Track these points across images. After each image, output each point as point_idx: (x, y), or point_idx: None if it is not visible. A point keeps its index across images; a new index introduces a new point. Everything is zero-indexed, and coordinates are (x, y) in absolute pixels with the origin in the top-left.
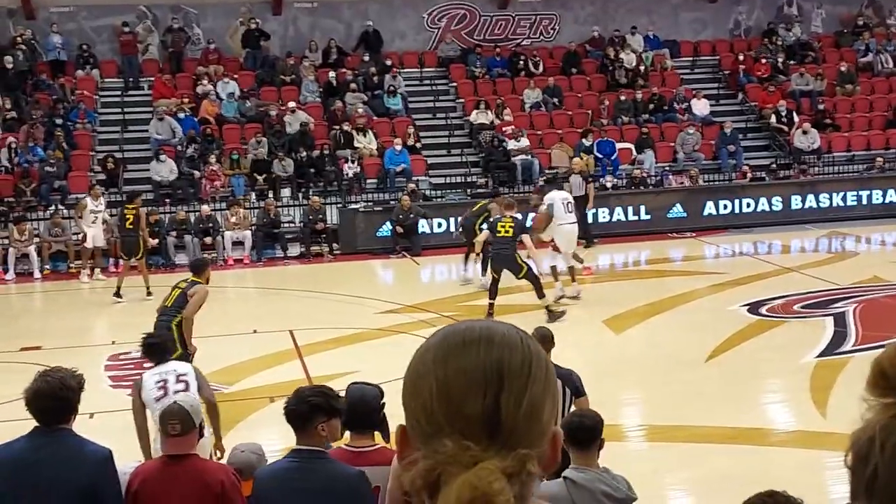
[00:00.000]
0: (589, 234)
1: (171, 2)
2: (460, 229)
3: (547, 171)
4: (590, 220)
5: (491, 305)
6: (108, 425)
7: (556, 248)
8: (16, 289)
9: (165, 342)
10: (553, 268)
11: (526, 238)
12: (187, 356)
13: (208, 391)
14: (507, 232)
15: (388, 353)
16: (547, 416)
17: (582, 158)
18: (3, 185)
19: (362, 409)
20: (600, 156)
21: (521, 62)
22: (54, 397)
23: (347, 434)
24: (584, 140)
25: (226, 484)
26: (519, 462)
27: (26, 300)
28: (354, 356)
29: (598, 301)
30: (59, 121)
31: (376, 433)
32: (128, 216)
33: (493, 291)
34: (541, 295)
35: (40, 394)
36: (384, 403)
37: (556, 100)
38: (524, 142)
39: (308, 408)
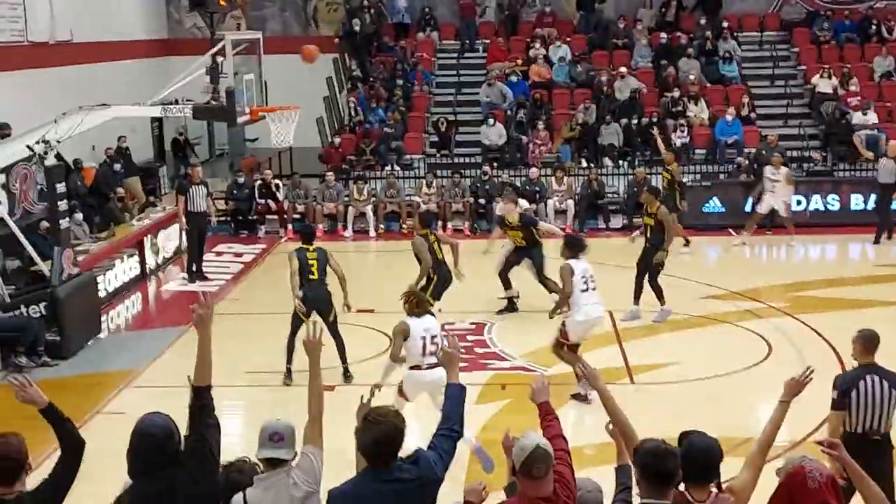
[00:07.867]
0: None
1: None
2: None
3: None
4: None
5: None
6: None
7: None
8: (353, 247)
9: None
10: None
11: None
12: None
13: None
14: None
15: (712, 345)
16: None
17: None
18: (345, 143)
19: (708, 460)
20: None
21: (874, 27)
22: (390, 442)
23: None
24: None
25: None
26: None
27: (362, 259)
28: (676, 345)
29: None
30: (399, 82)
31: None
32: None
33: None
34: None
35: (379, 440)
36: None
37: None
38: (871, 115)
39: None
